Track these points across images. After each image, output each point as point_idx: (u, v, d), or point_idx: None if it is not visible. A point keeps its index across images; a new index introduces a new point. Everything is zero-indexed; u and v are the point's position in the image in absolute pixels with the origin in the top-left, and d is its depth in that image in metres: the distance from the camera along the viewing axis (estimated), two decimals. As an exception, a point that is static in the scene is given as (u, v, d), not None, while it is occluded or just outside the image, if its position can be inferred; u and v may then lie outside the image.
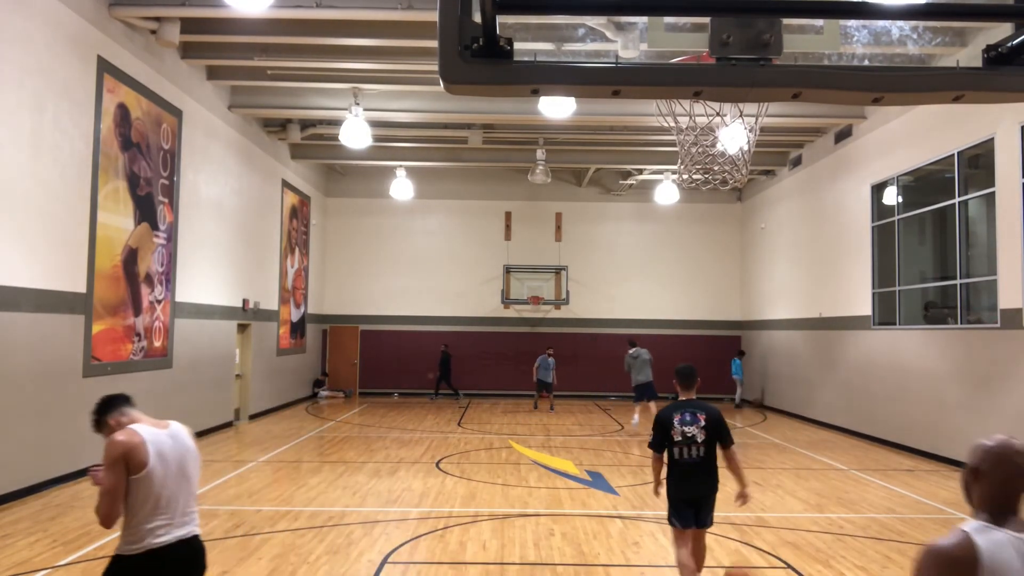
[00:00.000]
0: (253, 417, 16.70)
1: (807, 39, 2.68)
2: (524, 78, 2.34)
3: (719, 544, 7.42)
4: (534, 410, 19.56)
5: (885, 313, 14.61)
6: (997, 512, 2.24)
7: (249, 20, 11.46)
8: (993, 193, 11.36)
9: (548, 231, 23.50)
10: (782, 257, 20.17)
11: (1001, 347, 11.02)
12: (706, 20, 2.38)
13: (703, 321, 23.39)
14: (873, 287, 14.91)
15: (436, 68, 2.30)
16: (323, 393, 21.57)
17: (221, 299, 15.00)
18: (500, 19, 2.28)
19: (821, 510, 9.00)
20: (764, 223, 21.57)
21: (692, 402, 5.58)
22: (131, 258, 11.41)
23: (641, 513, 8.67)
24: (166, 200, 12.54)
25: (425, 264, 23.17)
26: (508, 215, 23.43)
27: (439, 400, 21.71)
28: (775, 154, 19.56)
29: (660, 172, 20.71)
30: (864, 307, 15.22)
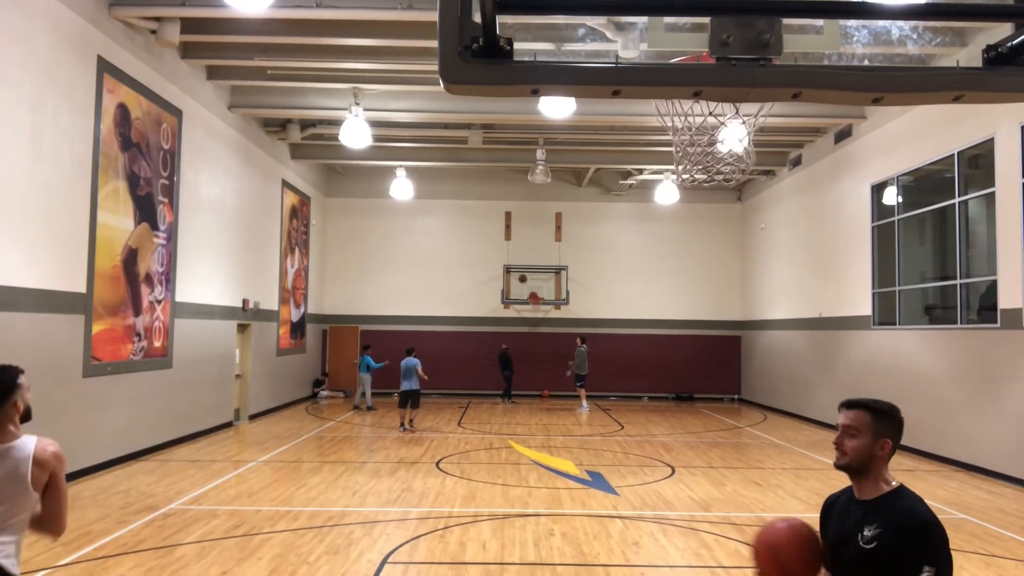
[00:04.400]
0: (253, 417, 16.70)
1: (807, 39, 2.68)
2: (524, 78, 2.34)
3: (719, 544, 7.42)
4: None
5: (885, 313, 14.62)
6: None
7: (249, 20, 11.46)
8: (993, 193, 11.36)
9: (548, 231, 23.50)
10: (782, 257, 20.17)
11: (1001, 347, 11.02)
12: (706, 20, 2.38)
13: (703, 321, 23.38)
14: (873, 287, 14.91)
15: (436, 68, 2.30)
16: (323, 393, 21.57)
17: (221, 299, 15.00)
18: (500, 19, 2.28)
19: (821, 510, 8.99)
20: (764, 223, 21.57)
21: None
22: (131, 258, 11.41)
23: (641, 513, 8.67)
24: (166, 200, 12.54)
25: (425, 264, 23.18)
26: (508, 215, 23.44)
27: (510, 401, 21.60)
28: (775, 154, 19.56)
29: (660, 172, 20.71)
30: (864, 307, 15.22)
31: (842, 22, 2.99)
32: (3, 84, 8.62)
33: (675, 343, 23.24)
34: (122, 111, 11.16)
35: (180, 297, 13.08)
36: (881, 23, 9.46)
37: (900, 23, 7.99)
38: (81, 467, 10.15)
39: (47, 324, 9.39)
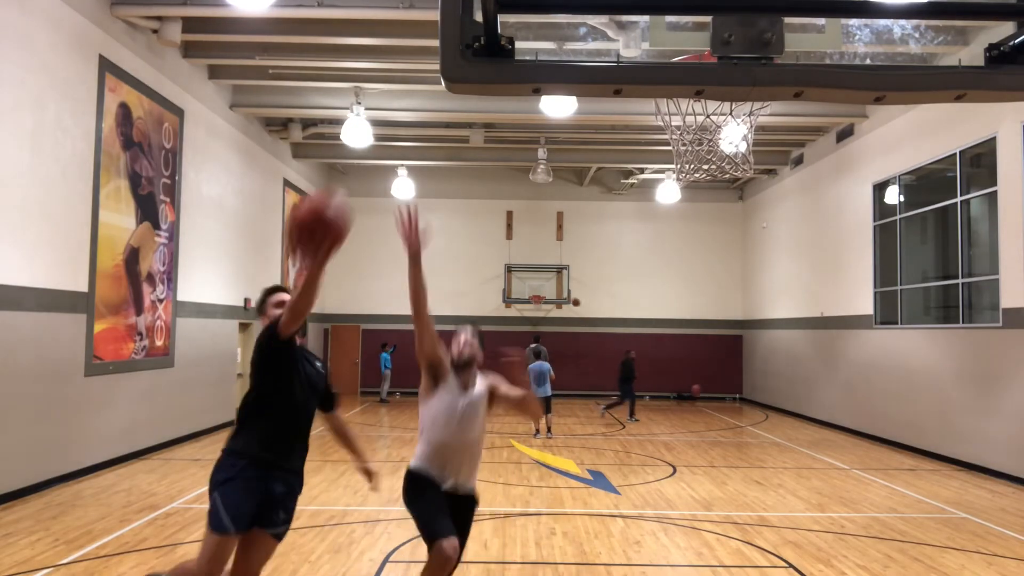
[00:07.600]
0: (255, 416, 16.69)
1: (809, 38, 2.68)
2: (525, 77, 2.34)
3: (720, 543, 7.42)
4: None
5: (887, 312, 14.61)
6: None
7: (251, 19, 11.46)
8: (995, 192, 11.35)
9: (549, 230, 23.49)
10: (784, 256, 20.16)
11: (1003, 346, 11.01)
12: (708, 19, 2.38)
13: (704, 320, 23.38)
14: (875, 286, 14.90)
15: (438, 67, 2.30)
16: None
17: (223, 298, 15.01)
18: (501, 18, 2.28)
19: (823, 509, 9.00)
20: (766, 222, 21.55)
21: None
22: (133, 257, 11.42)
23: (643, 512, 8.67)
24: (168, 199, 12.55)
25: (426, 263, 22.94)
26: (510, 214, 23.43)
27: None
28: (777, 153, 19.55)
29: (661, 171, 20.71)
30: (866, 306, 15.21)
31: (844, 21, 2.99)
32: (4, 83, 8.63)
33: (676, 342, 23.23)
34: (124, 110, 11.16)
35: (182, 296, 13.09)
36: (883, 22, 9.43)
37: (902, 22, 7.97)
38: (83, 466, 10.16)
39: (49, 323, 9.40)
